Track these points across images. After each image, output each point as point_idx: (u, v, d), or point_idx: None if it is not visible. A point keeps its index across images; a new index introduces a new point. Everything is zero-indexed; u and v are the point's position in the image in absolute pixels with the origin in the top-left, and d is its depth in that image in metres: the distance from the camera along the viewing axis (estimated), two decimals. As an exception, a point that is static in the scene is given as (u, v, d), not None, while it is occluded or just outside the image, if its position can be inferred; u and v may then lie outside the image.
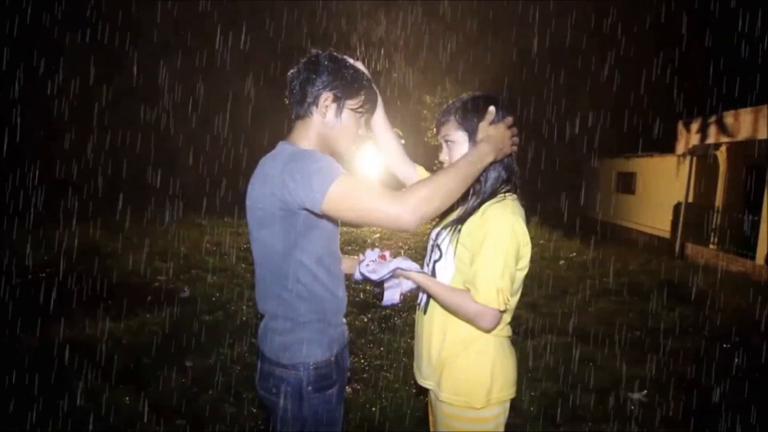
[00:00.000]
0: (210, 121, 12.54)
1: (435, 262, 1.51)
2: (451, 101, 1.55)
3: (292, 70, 1.42)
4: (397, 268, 1.44)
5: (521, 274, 1.44)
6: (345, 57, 1.44)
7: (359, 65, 1.48)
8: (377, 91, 1.50)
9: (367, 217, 1.24)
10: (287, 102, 1.43)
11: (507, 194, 1.45)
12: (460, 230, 1.44)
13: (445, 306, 1.43)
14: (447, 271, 1.47)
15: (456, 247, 1.44)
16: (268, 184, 1.31)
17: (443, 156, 1.53)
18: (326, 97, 1.37)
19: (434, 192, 1.24)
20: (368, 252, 1.51)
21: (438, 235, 1.53)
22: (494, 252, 1.35)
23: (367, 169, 11.22)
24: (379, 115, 1.65)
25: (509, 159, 1.48)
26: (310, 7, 12.06)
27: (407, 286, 1.50)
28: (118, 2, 11.12)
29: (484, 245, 1.36)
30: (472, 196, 1.48)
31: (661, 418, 3.15)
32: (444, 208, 1.28)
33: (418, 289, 1.50)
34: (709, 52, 10.86)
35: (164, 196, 10.69)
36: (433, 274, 1.50)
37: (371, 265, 1.46)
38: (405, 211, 1.20)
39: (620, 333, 4.65)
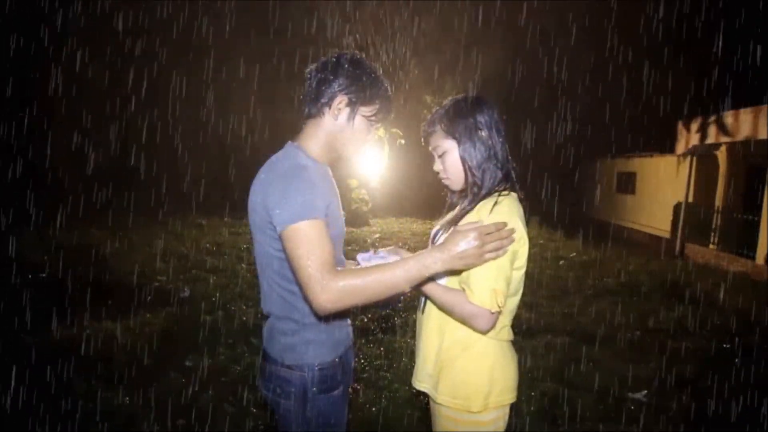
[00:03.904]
0: (211, 119, 12.54)
1: None
2: (434, 109, 1.51)
3: (309, 68, 1.39)
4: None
5: (518, 274, 1.41)
6: (366, 61, 1.40)
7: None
8: (392, 102, 1.46)
9: (296, 272, 1.22)
10: (302, 99, 1.41)
11: (504, 192, 1.41)
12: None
13: (441, 307, 1.41)
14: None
15: None
16: (261, 191, 1.31)
17: (437, 166, 1.50)
18: (341, 100, 1.35)
19: (364, 288, 1.20)
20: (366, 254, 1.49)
21: (435, 234, 1.51)
22: None
23: (368, 170, 11.27)
24: None
25: (504, 157, 1.45)
26: (309, 6, 12.05)
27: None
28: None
29: None
30: (468, 196, 1.45)
31: (661, 418, 3.15)
32: (366, 304, 1.25)
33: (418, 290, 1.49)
34: (710, 52, 10.86)
35: (165, 195, 10.69)
36: None
37: (373, 259, 1.45)
38: (324, 294, 1.18)
39: (620, 333, 4.65)
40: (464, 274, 1.36)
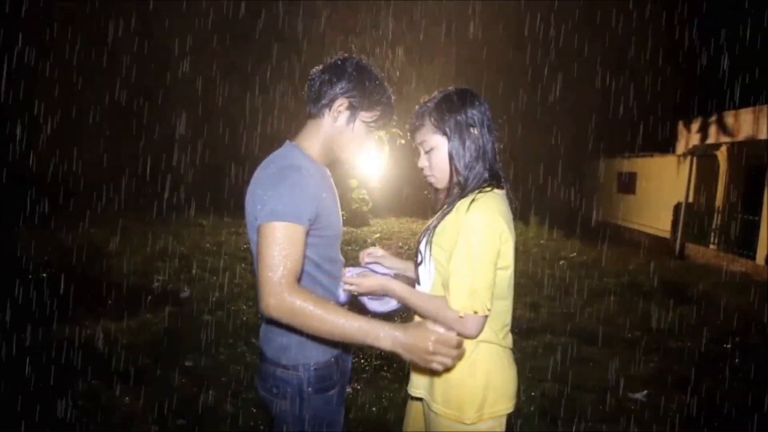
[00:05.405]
0: (210, 118, 12.53)
1: (418, 265, 1.46)
2: (423, 101, 1.44)
3: (315, 68, 1.40)
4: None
5: (505, 274, 1.34)
6: (371, 67, 1.40)
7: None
8: (394, 109, 1.45)
9: (258, 268, 1.21)
10: (305, 97, 1.41)
11: (486, 189, 1.35)
12: (434, 230, 1.39)
13: (427, 317, 1.34)
14: (428, 274, 1.42)
15: (431, 247, 1.40)
16: (252, 191, 1.32)
17: (422, 162, 1.44)
18: (341, 103, 1.36)
19: (310, 318, 1.17)
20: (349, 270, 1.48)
21: (420, 237, 1.47)
22: (466, 252, 1.27)
23: (368, 170, 11.27)
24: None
25: (493, 157, 1.40)
26: (308, 5, 12.03)
27: (391, 304, 1.48)
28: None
29: (457, 245, 1.29)
30: (450, 197, 1.41)
31: (661, 418, 3.15)
32: (304, 331, 1.23)
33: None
34: (710, 52, 10.86)
35: (164, 195, 10.69)
36: (417, 277, 1.46)
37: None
38: (273, 300, 1.17)
39: (620, 333, 4.65)
40: (447, 277, 1.32)
